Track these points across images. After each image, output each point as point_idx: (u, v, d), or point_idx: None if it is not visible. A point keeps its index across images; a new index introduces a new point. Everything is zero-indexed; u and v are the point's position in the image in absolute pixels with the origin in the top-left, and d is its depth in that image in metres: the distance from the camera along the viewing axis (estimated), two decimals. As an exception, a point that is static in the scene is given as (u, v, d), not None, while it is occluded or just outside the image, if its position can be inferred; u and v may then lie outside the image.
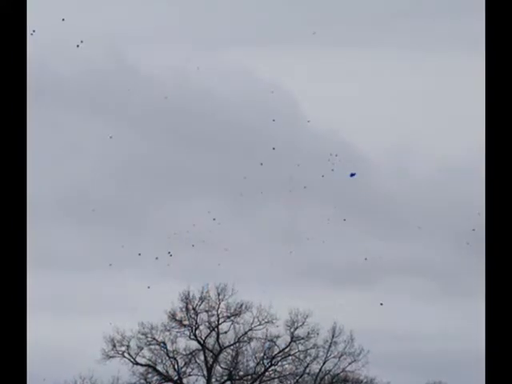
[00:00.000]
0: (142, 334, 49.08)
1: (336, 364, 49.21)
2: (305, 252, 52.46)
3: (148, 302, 52.46)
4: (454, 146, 69.38)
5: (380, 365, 51.42)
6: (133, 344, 49.37)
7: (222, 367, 49.06)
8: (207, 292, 48.85)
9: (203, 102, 59.24)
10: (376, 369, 49.78)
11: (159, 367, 48.89)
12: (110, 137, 45.09)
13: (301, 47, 71.85)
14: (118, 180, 63.99)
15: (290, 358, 49.04)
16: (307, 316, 48.46)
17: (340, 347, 49.20)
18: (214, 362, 48.70)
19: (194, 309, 48.97)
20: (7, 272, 12.16)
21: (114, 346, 48.61)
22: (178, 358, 49.01)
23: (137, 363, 48.79)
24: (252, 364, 48.85)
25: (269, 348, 48.92)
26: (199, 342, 48.89)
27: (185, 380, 48.94)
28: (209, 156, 56.34)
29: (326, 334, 49.17)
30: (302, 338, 48.75)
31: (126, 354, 48.58)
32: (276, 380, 49.48)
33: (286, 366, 49.22)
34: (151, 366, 48.82)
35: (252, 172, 45.62)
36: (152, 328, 49.26)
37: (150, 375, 48.79)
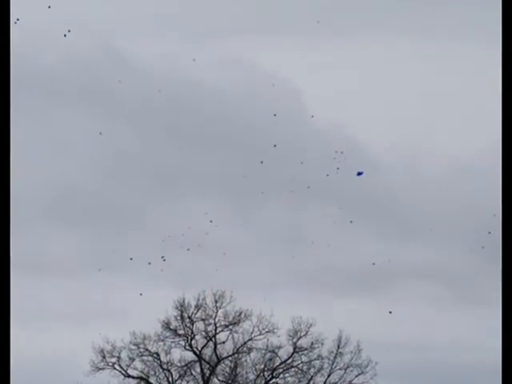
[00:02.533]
0: (134, 345, 49.11)
1: (342, 376, 49.23)
2: (308, 256, 52.50)
3: (140, 310, 52.52)
4: (468, 144, 69.43)
5: (389, 377, 51.49)
6: (124, 355, 49.40)
7: (219, 380, 49.09)
8: (204, 299, 48.91)
9: (200, 96, 59.31)
10: (385, 381, 49.85)
11: (152, 380, 48.94)
12: (100, 133, 45.06)
13: (304, 37, 71.85)
14: (109, 179, 64.01)
15: (293, 369, 49.05)
16: (311, 325, 48.50)
17: (346, 358, 49.21)
18: (211, 375, 48.72)
19: (189, 317, 49.02)
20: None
21: (104, 357, 48.62)
22: (172, 370, 49.04)
23: (128, 375, 48.83)
24: (252, 376, 48.89)
25: (270, 359, 48.93)
26: (195, 353, 48.92)
27: (180, 393, 49.08)
28: (206, 154, 56.38)
29: (331, 344, 49.21)
30: (306, 349, 48.74)
31: (116, 366, 48.60)
32: (278, 393, 49.61)
33: (289, 378, 49.26)
34: (144, 379, 48.85)
35: (252, 171, 45.66)
36: (144, 338, 49.28)
37: (142, 388, 48.92)
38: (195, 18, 72.39)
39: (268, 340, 48.63)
